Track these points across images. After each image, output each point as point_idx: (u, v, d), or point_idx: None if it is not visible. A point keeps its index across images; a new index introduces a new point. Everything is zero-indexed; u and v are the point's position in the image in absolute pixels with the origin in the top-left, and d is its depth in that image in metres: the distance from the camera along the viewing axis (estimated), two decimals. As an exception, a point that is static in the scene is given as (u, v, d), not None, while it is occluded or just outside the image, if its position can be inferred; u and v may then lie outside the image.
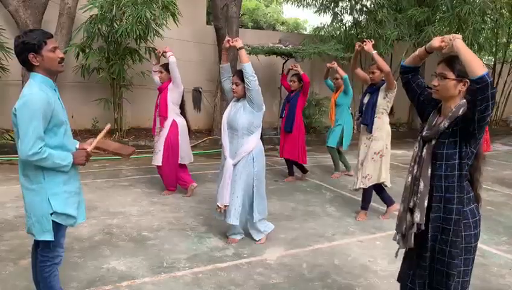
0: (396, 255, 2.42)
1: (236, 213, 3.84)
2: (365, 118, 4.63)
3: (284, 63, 10.03)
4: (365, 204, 4.81)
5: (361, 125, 4.74)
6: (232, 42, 3.87)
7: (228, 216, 3.86)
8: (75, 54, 8.31)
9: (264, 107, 3.86)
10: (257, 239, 4.02)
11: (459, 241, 2.12)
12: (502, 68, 13.55)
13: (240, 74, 3.80)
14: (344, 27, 11.84)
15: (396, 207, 4.85)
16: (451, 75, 2.10)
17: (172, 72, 5.15)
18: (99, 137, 2.65)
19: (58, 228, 2.47)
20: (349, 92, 6.44)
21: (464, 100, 2.13)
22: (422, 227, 2.16)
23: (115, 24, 8.25)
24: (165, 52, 5.23)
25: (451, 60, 2.11)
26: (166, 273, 3.34)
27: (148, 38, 8.38)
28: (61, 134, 2.41)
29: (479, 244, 4.07)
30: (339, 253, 3.87)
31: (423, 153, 2.16)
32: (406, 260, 2.40)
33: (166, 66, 5.27)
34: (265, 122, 10.41)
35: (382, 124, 4.62)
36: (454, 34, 2.07)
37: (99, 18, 7.99)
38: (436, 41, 2.13)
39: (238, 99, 3.91)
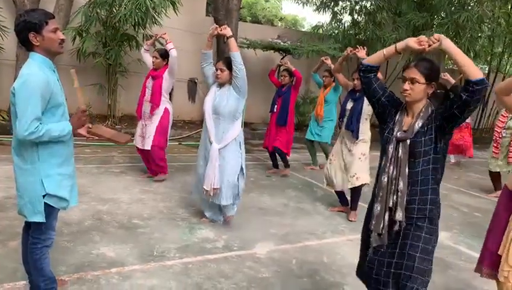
0: (368, 253, 2.42)
1: (229, 194, 4.01)
2: (350, 124, 4.65)
3: (281, 59, 10.02)
4: (355, 204, 4.84)
5: (345, 130, 4.75)
6: (221, 30, 3.91)
7: (221, 198, 4.00)
8: (72, 37, 8.22)
9: (246, 94, 3.99)
10: (228, 214, 4.23)
11: (434, 229, 2.21)
12: (495, 77, 13.69)
13: (226, 61, 3.89)
14: (343, 27, 11.87)
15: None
16: (422, 79, 2.17)
17: (172, 65, 5.19)
18: (79, 92, 2.58)
19: (50, 211, 2.45)
20: (338, 89, 6.53)
21: (428, 100, 2.24)
22: (404, 224, 2.20)
23: (113, 9, 8.18)
24: (163, 38, 5.21)
25: (421, 65, 2.17)
26: (156, 262, 3.34)
27: (147, 25, 8.32)
28: (59, 115, 2.40)
29: (467, 251, 4.13)
30: (328, 251, 3.90)
31: (399, 154, 2.19)
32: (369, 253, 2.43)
33: (162, 53, 5.25)
34: (259, 117, 10.50)
35: (366, 129, 4.71)
36: (437, 34, 2.09)
37: (98, 2, 7.91)
38: (412, 43, 2.11)
39: (220, 86, 4.01)
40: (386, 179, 2.23)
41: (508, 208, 2.75)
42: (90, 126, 2.67)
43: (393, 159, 2.22)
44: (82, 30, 8.25)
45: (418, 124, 2.19)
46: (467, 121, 8.09)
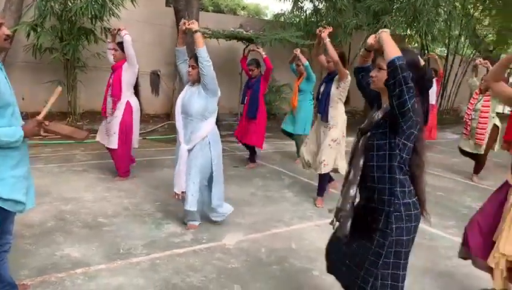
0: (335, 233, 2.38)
1: (194, 199, 3.82)
2: (320, 107, 4.70)
3: (244, 49, 9.97)
4: (321, 191, 4.89)
5: (318, 113, 4.81)
6: (188, 24, 3.78)
7: (186, 202, 3.83)
8: (26, 32, 7.89)
9: (219, 92, 3.83)
10: (218, 220, 4.07)
11: (388, 233, 2.08)
12: (453, 59, 14.09)
13: (196, 57, 3.73)
14: (304, 14, 11.91)
15: (336, 185, 5.01)
16: (385, 66, 2.12)
17: (127, 51, 4.99)
18: (50, 102, 2.51)
19: (5, 215, 2.35)
20: (311, 78, 6.46)
21: None
22: (343, 213, 2.18)
23: (68, 2, 7.90)
24: (120, 30, 5.06)
25: None
26: (122, 260, 3.28)
27: (104, 18, 8.09)
28: (8, 115, 2.27)
29: (429, 228, 4.26)
30: (296, 237, 3.94)
31: (359, 144, 2.20)
32: (332, 249, 2.48)
33: (120, 45, 5.10)
34: (225, 108, 10.45)
35: (337, 113, 4.70)
36: (382, 30, 2.14)
37: (51, -5, 7.62)
38: (370, 39, 2.23)
39: (193, 84, 3.87)
40: (347, 169, 2.28)
41: (501, 197, 2.81)
42: (47, 123, 2.57)
43: (354, 151, 2.24)
44: (36, 25, 7.92)
45: (378, 115, 2.16)
46: (432, 102, 8.27)
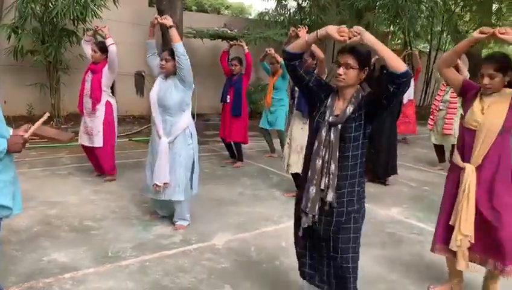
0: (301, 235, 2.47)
1: (180, 189, 3.84)
2: (300, 104, 4.70)
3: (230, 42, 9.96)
4: None
5: (297, 111, 4.80)
6: (161, 20, 3.78)
7: (173, 193, 3.84)
8: (7, 35, 7.77)
9: (193, 85, 3.87)
10: (178, 223, 4.01)
11: (360, 207, 2.29)
12: (436, 55, 14.25)
13: (171, 51, 3.75)
14: (288, 13, 11.95)
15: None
16: (356, 64, 2.18)
17: (111, 62, 5.01)
18: (36, 125, 2.49)
19: (-8, 220, 2.32)
20: (286, 76, 6.51)
21: (359, 85, 2.25)
22: (335, 204, 2.22)
23: (49, 4, 7.79)
24: (102, 31, 5.03)
25: (355, 50, 2.18)
26: (111, 263, 3.25)
27: (87, 19, 7.99)
28: None
29: (418, 223, 4.30)
30: (286, 235, 3.92)
31: (331, 138, 2.21)
32: (302, 240, 2.53)
33: (101, 46, 5.06)
34: (211, 107, 10.42)
35: None
36: (357, 27, 2.10)
37: (31, -3, 7.51)
38: (333, 32, 2.10)
39: (166, 77, 3.88)
40: (320, 162, 2.24)
41: (455, 182, 2.86)
42: (30, 127, 2.53)
43: (326, 143, 2.23)
44: (17, 27, 7.80)
45: (349, 109, 2.20)
46: (411, 98, 8.44)
